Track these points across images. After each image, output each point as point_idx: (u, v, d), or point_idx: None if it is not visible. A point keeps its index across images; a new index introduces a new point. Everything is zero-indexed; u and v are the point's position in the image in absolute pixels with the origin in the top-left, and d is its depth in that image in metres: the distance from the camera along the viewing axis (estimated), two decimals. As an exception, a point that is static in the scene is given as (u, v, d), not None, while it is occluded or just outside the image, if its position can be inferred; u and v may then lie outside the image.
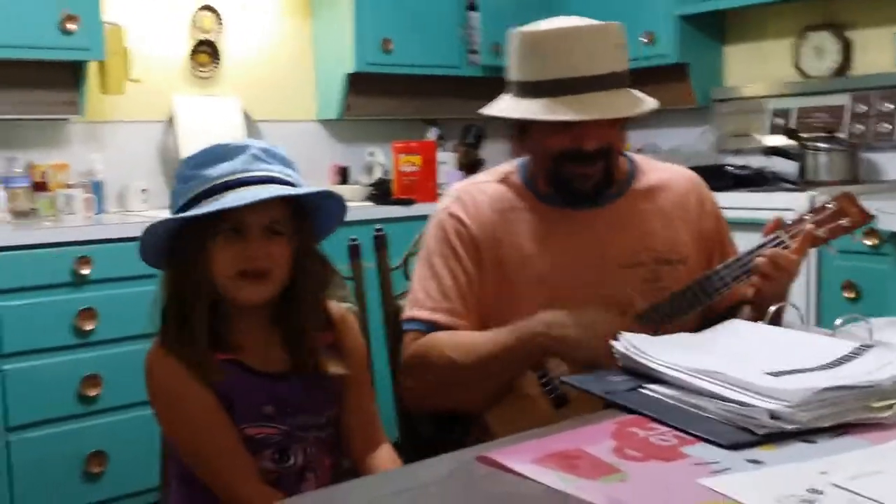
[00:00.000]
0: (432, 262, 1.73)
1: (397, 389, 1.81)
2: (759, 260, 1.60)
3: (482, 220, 1.73)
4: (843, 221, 1.65)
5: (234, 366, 1.44)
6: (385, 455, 1.56)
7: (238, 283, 1.42)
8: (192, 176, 1.42)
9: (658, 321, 1.61)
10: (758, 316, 1.63)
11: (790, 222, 1.66)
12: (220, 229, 1.40)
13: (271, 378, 1.46)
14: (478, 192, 1.77)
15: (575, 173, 1.66)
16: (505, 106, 1.69)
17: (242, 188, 1.39)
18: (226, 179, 1.40)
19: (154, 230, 1.42)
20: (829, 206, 1.66)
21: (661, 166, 1.85)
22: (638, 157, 1.84)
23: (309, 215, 1.49)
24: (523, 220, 1.73)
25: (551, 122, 1.61)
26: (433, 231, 1.77)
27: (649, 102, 1.67)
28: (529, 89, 1.64)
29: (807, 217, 1.66)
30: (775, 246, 1.62)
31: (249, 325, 1.47)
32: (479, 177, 1.84)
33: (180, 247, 1.42)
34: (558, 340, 1.57)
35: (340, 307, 1.59)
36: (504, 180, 1.79)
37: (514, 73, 1.68)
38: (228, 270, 1.41)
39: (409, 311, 1.72)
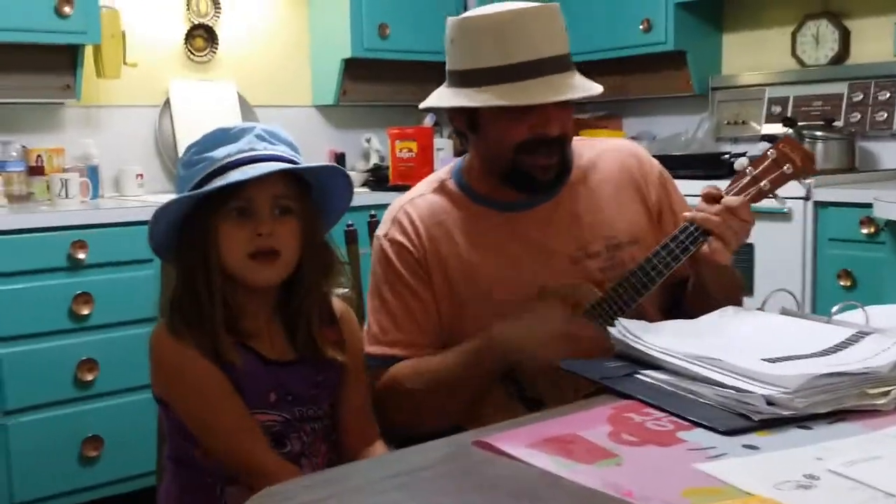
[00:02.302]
0: (381, 293, 1.67)
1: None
2: (699, 216, 1.52)
3: (422, 240, 1.66)
4: (787, 168, 1.55)
5: (245, 350, 1.44)
6: (379, 451, 1.56)
7: (250, 265, 1.41)
8: (196, 161, 1.42)
9: (612, 314, 1.54)
10: (698, 281, 1.60)
11: (731, 180, 1.58)
12: (229, 209, 1.40)
13: (277, 366, 1.46)
14: (413, 209, 1.69)
15: (536, 164, 1.59)
16: (459, 98, 1.59)
17: (247, 166, 1.39)
18: (232, 159, 1.40)
19: (163, 212, 1.41)
20: (770, 154, 1.57)
21: (594, 144, 1.77)
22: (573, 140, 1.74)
23: (316, 199, 1.49)
24: (463, 231, 1.66)
25: (510, 111, 1.54)
26: (377, 260, 1.70)
27: (595, 84, 1.60)
28: (483, 77, 1.55)
29: (748, 170, 1.57)
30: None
31: (255, 313, 1.47)
32: (415, 190, 1.76)
33: (189, 230, 1.42)
34: (508, 354, 1.54)
35: (340, 303, 1.58)
36: (439, 189, 1.72)
37: (461, 62, 1.60)
38: (240, 252, 1.41)
39: (368, 346, 1.67)
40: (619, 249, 1.65)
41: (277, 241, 1.42)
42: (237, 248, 1.41)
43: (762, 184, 1.56)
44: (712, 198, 1.55)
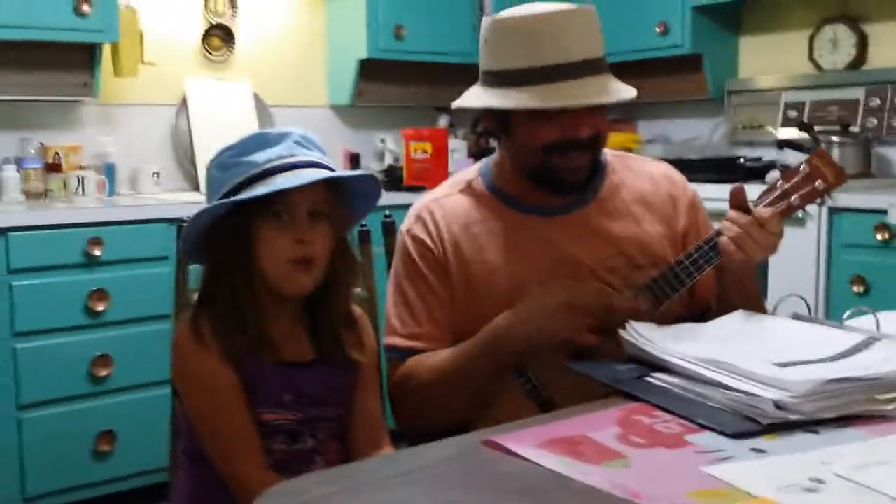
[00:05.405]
0: (402, 288, 1.69)
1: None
2: (723, 240, 1.51)
3: (444, 240, 1.67)
4: (818, 184, 1.51)
5: (266, 353, 1.45)
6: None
7: (290, 272, 1.43)
8: (235, 163, 1.43)
9: (656, 301, 1.54)
10: (724, 295, 1.59)
11: (762, 192, 1.56)
12: (265, 214, 1.42)
13: (295, 368, 1.48)
14: (438, 208, 1.70)
15: (566, 166, 1.59)
16: (491, 98, 1.59)
17: (289, 172, 1.41)
18: (273, 164, 1.41)
19: (204, 214, 1.42)
20: (802, 168, 1.52)
21: (634, 164, 1.77)
22: (610, 155, 1.75)
23: (345, 203, 1.50)
24: (489, 232, 1.67)
25: (542, 112, 1.55)
26: (399, 255, 1.72)
27: (631, 88, 1.60)
28: (517, 78, 1.55)
29: (778, 184, 1.55)
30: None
31: (279, 314, 1.48)
32: (440, 189, 1.76)
33: (226, 234, 1.43)
34: (511, 336, 1.54)
35: (356, 307, 1.60)
36: (466, 190, 1.72)
37: (495, 63, 1.60)
38: (281, 258, 1.42)
39: (387, 338, 1.69)
40: (638, 270, 1.64)
41: (314, 250, 1.44)
42: (278, 253, 1.42)
43: (792, 198, 1.53)
44: (742, 208, 1.54)
